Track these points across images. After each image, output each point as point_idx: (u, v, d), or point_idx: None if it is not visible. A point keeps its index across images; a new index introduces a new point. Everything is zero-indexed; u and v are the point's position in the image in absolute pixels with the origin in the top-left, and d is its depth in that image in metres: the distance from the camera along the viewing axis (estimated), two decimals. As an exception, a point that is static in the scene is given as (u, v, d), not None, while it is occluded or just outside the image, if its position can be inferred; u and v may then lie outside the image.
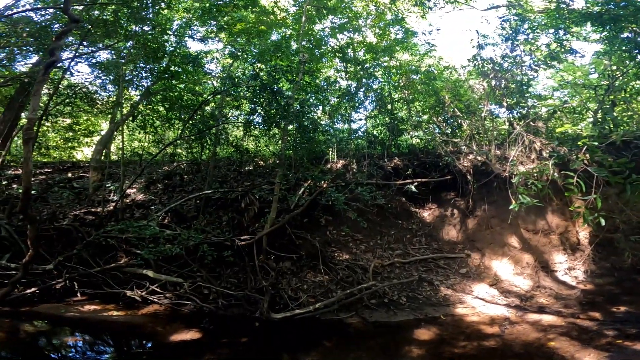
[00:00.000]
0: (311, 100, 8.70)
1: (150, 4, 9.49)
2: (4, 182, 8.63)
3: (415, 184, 9.32)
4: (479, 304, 6.64)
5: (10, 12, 10.07)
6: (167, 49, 10.62)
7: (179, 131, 11.06)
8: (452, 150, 10.28)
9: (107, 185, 9.70)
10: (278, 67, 8.53)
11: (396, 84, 12.36)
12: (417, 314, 6.21)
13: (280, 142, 10.12)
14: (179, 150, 12.17)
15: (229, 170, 11.16)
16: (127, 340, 5.23)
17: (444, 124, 11.59)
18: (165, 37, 10.86)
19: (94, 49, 10.77)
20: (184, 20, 11.71)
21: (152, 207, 9.11)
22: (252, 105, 8.83)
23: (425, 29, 12.01)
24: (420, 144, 12.08)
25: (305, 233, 8.23)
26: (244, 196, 8.80)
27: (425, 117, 12.35)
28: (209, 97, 10.41)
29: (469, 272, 8.10)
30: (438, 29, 11.81)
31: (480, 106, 10.54)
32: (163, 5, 9.78)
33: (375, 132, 12.14)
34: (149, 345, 5.00)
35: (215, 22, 11.06)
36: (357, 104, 11.68)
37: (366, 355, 4.82)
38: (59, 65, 9.76)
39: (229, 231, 8.01)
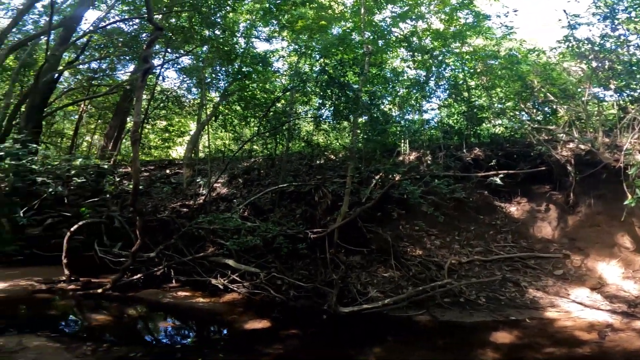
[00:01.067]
0: (379, 92, 8.44)
1: (216, 9, 10.23)
2: (117, 179, 10.23)
3: (501, 175, 8.40)
4: (576, 309, 5.85)
5: (103, 23, 11.80)
6: (237, 50, 11.33)
7: (255, 128, 11.77)
8: (546, 139, 8.99)
9: (197, 181, 10.84)
10: (344, 61, 8.43)
11: (471, 70, 11.31)
12: (496, 316, 5.71)
13: (350, 135, 10.08)
14: (255, 147, 12.96)
15: (300, 165, 11.54)
16: (208, 327, 5.83)
17: (534, 111, 10.21)
18: (234, 39, 11.57)
19: (178, 55, 12.06)
20: (248, 22, 12.31)
21: (234, 201, 9.91)
22: (321, 100, 8.92)
23: (499, 11, 10.51)
24: (505, 132, 10.89)
25: (377, 227, 8.11)
26: (317, 189, 9.02)
27: (509, 103, 11.03)
28: (280, 95, 10.82)
29: (567, 274, 7.09)
30: (515, 11, 10.26)
31: (579, 90, 9.02)
32: (228, 8, 10.40)
33: (450, 122, 11.28)
34: (226, 332, 5.48)
35: (276, 22, 11.40)
36: (428, 94, 10.99)
37: (434, 354, 4.64)
38: (152, 71, 11.29)
39: (302, 224, 8.27)
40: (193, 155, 12.05)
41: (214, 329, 5.72)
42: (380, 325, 5.59)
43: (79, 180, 9.11)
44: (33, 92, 10.20)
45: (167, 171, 12.70)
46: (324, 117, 9.97)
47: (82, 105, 14.60)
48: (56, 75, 11.35)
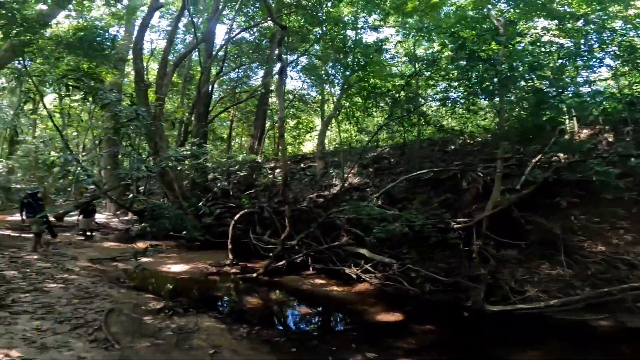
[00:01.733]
0: (526, 65, 6.88)
1: (318, 5, 10.31)
2: (269, 172, 11.69)
3: None
4: None
5: (231, 35, 13.46)
6: (348, 44, 11.18)
7: (379, 119, 11.53)
8: None
9: (330, 172, 11.29)
10: (481, 33, 7.20)
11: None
12: None
13: (495, 115, 8.64)
14: (381, 136, 12.69)
15: (432, 151, 10.71)
16: (341, 315, 5.88)
17: None
18: (343, 33, 11.48)
19: (297, 55, 12.82)
20: (351, 15, 12.06)
21: (368, 190, 9.87)
22: (452, 82, 7.96)
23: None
24: None
25: (539, 217, 6.75)
26: (463, 175, 8.14)
27: None
28: (408, 79, 10.15)
29: None
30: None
31: None
32: (329, 4, 10.30)
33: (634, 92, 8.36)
34: (357, 322, 5.39)
35: (379, 10, 10.92)
36: (588, 63, 8.39)
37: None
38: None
39: (445, 212, 7.59)
40: (323, 148, 12.66)
41: (346, 319, 5.75)
42: (538, 328, 4.88)
43: (242, 174, 10.83)
44: (197, 102, 12.56)
45: (301, 165, 13.75)
46: (457, 99, 8.90)
47: (231, 111, 17.45)
48: (210, 86, 13.75)
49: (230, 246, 8.26)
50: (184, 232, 7.92)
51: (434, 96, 10.84)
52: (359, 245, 7.51)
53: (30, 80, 10.20)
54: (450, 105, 9.53)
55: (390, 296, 6.12)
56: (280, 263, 7.52)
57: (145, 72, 13.37)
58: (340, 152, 10.48)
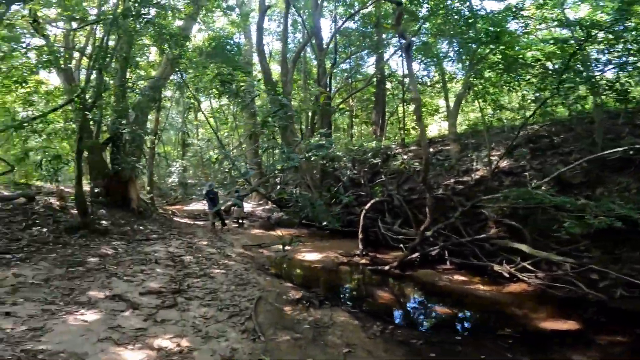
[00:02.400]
0: None
1: None
2: (405, 158, 11.09)
3: None
4: None
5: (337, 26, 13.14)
6: (466, 16, 9.40)
7: (525, 93, 9.53)
8: None
9: (469, 155, 9.92)
10: None
11: None
12: None
13: None
14: (526, 112, 10.52)
15: (613, 125, 8.15)
16: (490, 319, 5.02)
17: None
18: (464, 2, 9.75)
19: (410, 35, 11.61)
20: None
21: (525, 174, 8.25)
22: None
23: None
24: None
25: None
26: None
27: None
28: (581, 44, 7.88)
29: None
30: None
31: None
32: None
33: None
34: (513, 328, 4.48)
35: None
36: None
37: None
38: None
39: None
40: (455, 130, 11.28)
41: (497, 323, 4.88)
42: None
43: (375, 161, 10.68)
44: (319, 95, 12.84)
45: (430, 149, 12.57)
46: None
47: (349, 101, 17.40)
48: (327, 78, 13.96)
49: (360, 236, 8.20)
50: (325, 222, 8.07)
51: (610, 61, 8.20)
52: (514, 239, 6.33)
53: (188, 90, 12.24)
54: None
55: (559, 300, 5.01)
56: (414, 255, 7.02)
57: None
58: (485, 131, 9.03)
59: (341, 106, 16.73)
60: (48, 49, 9.40)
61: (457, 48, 10.82)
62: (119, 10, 7.88)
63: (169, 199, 20.10)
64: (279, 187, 14.79)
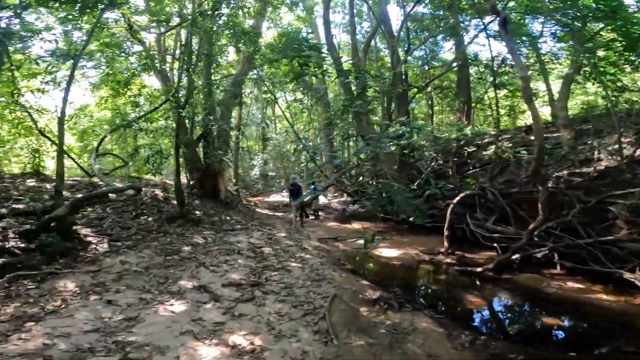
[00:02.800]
0: None
1: None
2: (501, 146, 9.84)
3: None
4: None
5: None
6: None
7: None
8: None
9: (589, 142, 8.24)
10: None
11: None
12: None
13: None
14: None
15: None
16: (620, 335, 4.00)
17: None
18: None
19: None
20: None
21: None
22: None
23: None
24: None
25: None
26: None
27: None
28: None
29: None
30: None
31: None
32: None
33: None
34: None
35: None
36: None
37: None
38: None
39: None
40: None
41: (623, 338, 3.89)
42: None
43: (469, 149, 9.71)
44: (394, 83, 12.10)
45: (531, 137, 10.83)
46: None
47: (428, 89, 16.14)
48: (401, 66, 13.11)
49: (446, 232, 7.47)
50: (410, 217, 7.49)
51: None
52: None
53: (264, 85, 12.70)
54: None
55: None
56: (514, 257, 6.06)
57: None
58: (613, 114, 7.31)
59: (418, 95, 15.70)
60: (145, 53, 10.61)
61: (555, 25, 9.14)
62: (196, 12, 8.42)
63: (251, 190, 21.45)
64: (354, 179, 14.52)
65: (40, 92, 10.43)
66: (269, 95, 15.21)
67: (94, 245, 5.66)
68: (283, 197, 19.47)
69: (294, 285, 5.00)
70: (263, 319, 3.81)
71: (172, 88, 9.24)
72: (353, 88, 11.19)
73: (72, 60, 8.04)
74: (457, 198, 7.84)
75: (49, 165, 13.33)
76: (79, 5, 6.78)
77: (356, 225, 10.81)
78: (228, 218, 9.95)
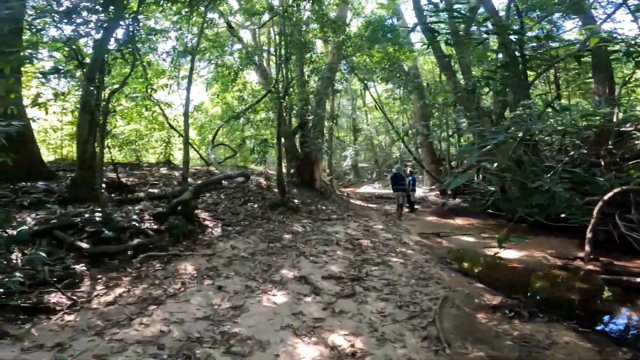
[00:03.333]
0: None
1: None
2: None
3: None
4: None
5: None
6: None
7: None
8: None
9: None
10: None
11: None
12: None
13: None
14: None
15: None
16: None
17: None
18: None
19: None
20: None
21: None
22: None
23: None
24: None
25: None
26: None
27: None
28: None
29: None
30: None
31: None
32: None
33: None
34: None
35: None
36: None
37: None
38: None
39: None
40: None
41: None
42: None
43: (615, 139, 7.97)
44: (510, 66, 10.46)
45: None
46: None
47: (553, 70, 13.52)
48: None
49: (589, 235, 6.08)
50: (569, 215, 6.12)
51: None
52: None
53: (355, 75, 12.36)
54: None
55: None
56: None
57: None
58: None
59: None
60: (244, 50, 11.32)
61: None
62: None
63: (343, 181, 21.52)
64: (486, 170, 13.16)
65: (168, 89, 12.01)
66: (360, 85, 14.81)
67: (210, 229, 6.21)
68: (374, 188, 19.02)
69: (397, 283, 4.62)
70: (365, 318, 3.56)
71: (272, 80, 9.66)
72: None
73: (190, 56, 8.98)
74: (607, 196, 6.24)
75: (177, 156, 15.39)
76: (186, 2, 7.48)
77: (459, 221, 9.78)
78: (324, 207, 10.03)
